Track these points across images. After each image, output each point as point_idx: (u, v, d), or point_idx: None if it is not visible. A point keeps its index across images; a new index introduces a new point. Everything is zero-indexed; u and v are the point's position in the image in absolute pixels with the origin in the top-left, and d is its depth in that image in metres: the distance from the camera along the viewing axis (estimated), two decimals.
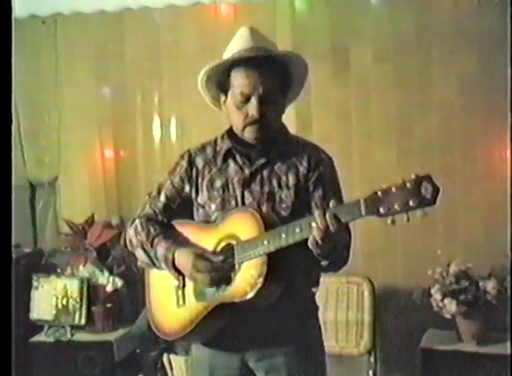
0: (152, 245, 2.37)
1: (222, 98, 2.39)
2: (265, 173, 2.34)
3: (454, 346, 3.74)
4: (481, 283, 3.66)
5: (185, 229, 2.42)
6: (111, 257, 4.30)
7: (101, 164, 4.66)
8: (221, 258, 2.25)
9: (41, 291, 4.32)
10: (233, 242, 2.24)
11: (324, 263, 2.16)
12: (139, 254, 2.43)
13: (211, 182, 2.39)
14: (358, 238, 4.08)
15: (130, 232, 2.47)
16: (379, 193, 1.89)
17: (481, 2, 3.95)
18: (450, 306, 3.63)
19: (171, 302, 2.37)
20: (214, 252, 2.28)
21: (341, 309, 3.92)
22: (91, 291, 4.23)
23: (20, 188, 4.68)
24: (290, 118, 4.18)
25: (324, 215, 1.99)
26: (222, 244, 2.28)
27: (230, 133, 2.42)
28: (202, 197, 2.40)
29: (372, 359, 3.88)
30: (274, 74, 2.30)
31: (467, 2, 4.00)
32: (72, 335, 4.22)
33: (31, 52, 4.66)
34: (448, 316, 3.68)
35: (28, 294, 4.32)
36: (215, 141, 2.48)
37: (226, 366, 2.39)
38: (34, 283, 4.33)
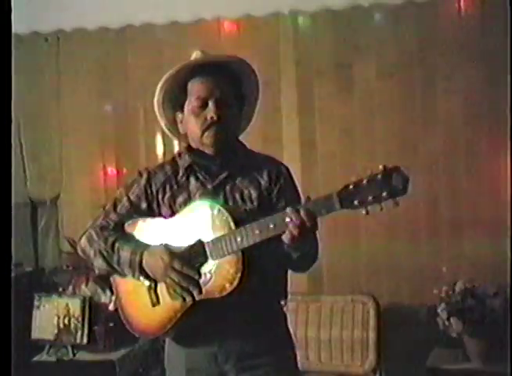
0: (113, 250, 2.36)
1: (179, 116, 2.43)
2: (228, 188, 2.36)
3: (461, 365, 3.71)
4: (487, 302, 3.63)
5: (141, 227, 2.41)
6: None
7: (103, 182, 4.65)
8: (194, 255, 2.25)
9: (42, 310, 4.28)
10: (203, 239, 2.24)
11: (295, 257, 2.19)
12: (97, 262, 2.40)
13: (174, 199, 2.40)
14: (362, 256, 4.16)
15: (82, 242, 2.47)
16: (351, 187, 1.97)
17: (484, 17, 3.94)
18: (456, 325, 3.60)
19: (145, 302, 2.35)
20: (186, 250, 2.27)
21: (347, 327, 3.90)
22: (93, 310, 4.20)
23: (22, 206, 4.68)
24: (293, 135, 4.23)
25: (298, 210, 2.04)
26: (191, 241, 2.27)
27: (189, 149, 2.45)
28: (165, 213, 2.41)
29: None
30: (228, 81, 2.37)
31: (471, 17, 4.00)
32: (74, 355, 4.18)
33: (34, 69, 4.68)
34: (454, 334, 3.65)
35: (29, 314, 4.29)
36: (173, 159, 2.50)
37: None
38: (36, 303, 4.29)
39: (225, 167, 2.37)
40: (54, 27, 4.61)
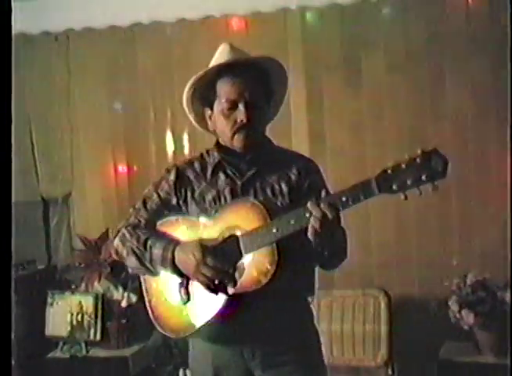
0: (145, 248, 2.33)
1: (208, 113, 2.43)
2: (258, 183, 2.36)
3: (472, 358, 3.72)
4: (498, 294, 3.63)
5: (176, 227, 2.40)
6: (125, 272, 4.27)
7: (114, 180, 4.67)
8: (228, 250, 2.22)
9: (55, 307, 4.31)
10: (237, 233, 2.23)
11: (325, 254, 2.18)
12: (130, 261, 2.39)
13: (203, 196, 2.39)
14: (373, 249, 4.16)
15: (116, 243, 2.45)
16: (389, 171, 1.95)
17: (492, 9, 3.94)
18: (468, 318, 3.60)
19: (176, 301, 2.35)
20: (219, 245, 2.26)
21: (358, 321, 3.91)
22: (105, 307, 4.22)
23: (34, 204, 4.71)
24: (302, 130, 4.24)
25: (319, 203, 2.04)
26: (225, 236, 2.26)
27: (218, 146, 2.45)
28: (194, 210, 2.40)
29: (389, 372, 3.86)
30: (257, 80, 2.35)
31: (479, 10, 4.00)
32: (87, 351, 4.21)
33: (43, 69, 4.70)
34: (465, 327, 3.65)
35: (43, 311, 4.32)
36: (201, 155, 2.50)
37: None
38: (49, 300, 4.31)
39: (254, 163, 2.37)
40: (64, 27, 4.63)
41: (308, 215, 2.06)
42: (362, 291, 3.95)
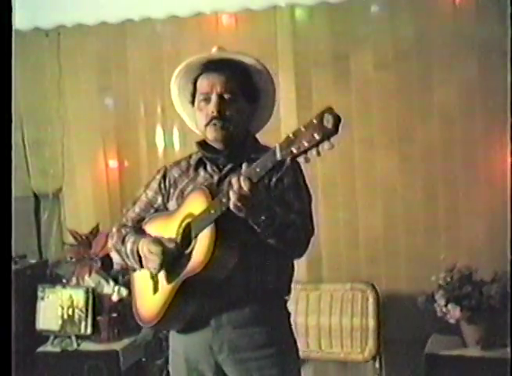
0: (123, 243, 2.46)
1: (192, 110, 2.50)
2: (232, 177, 2.35)
3: (458, 351, 3.75)
4: (484, 288, 3.66)
5: (153, 223, 2.50)
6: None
7: (105, 175, 4.68)
8: (176, 242, 2.32)
9: (46, 301, 4.33)
10: (190, 220, 2.30)
11: (261, 232, 2.18)
12: (114, 256, 2.57)
13: (182, 192, 2.46)
14: (361, 244, 4.19)
15: (109, 242, 2.60)
16: (290, 135, 1.93)
17: (479, 8, 3.98)
18: (454, 312, 3.63)
19: (149, 291, 2.43)
20: (173, 238, 2.35)
21: (346, 315, 3.92)
22: (96, 301, 4.25)
23: (25, 199, 4.72)
24: (292, 126, 4.23)
25: (238, 178, 2.06)
26: (183, 225, 2.33)
27: (200, 143, 2.50)
28: (172, 206, 2.47)
29: (377, 365, 3.87)
30: (234, 76, 2.39)
31: (466, 8, 4.03)
32: (78, 345, 4.23)
33: (35, 65, 4.70)
34: (452, 321, 3.68)
35: (34, 305, 4.34)
36: (190, 156, 2.56)
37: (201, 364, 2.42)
38: (40, 294, 4.34)
39: (232, 159, 2.40)
40: (55, 23, 4.63)
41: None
42: (350, 285, 3.95)
